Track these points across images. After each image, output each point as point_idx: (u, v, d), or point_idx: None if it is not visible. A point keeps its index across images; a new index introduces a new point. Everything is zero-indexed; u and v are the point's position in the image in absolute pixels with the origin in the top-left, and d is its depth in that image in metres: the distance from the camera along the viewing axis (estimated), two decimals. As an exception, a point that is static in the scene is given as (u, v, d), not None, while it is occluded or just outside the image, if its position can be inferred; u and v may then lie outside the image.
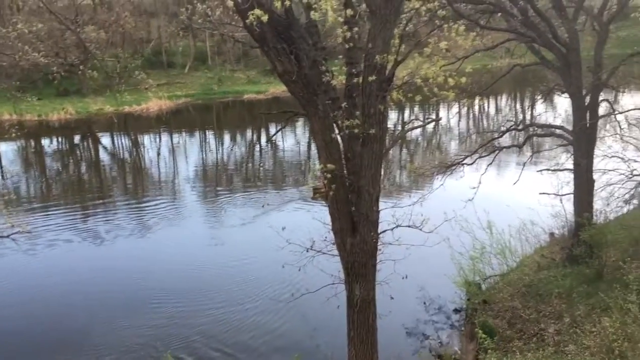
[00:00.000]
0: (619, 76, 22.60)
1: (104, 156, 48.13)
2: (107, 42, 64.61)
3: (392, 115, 52.75)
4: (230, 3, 8.91)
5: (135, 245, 26.29)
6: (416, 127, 40.72)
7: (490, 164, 22.68)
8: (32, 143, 51.06)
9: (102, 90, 57.81)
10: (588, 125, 19.99)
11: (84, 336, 18.75)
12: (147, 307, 20.48)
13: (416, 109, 52.98)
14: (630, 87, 27.95)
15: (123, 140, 53.23)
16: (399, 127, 49.60)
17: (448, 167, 22.81)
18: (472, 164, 22.37)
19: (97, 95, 58.30)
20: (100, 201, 33.81)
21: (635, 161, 21.89)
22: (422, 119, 48.40)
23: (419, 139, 47.86)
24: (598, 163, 21.80)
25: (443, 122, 51.65)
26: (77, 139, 53.73)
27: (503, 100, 63.98)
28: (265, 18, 8.34)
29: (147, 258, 24.72)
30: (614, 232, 18.83)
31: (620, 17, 25.70)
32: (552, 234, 23.41)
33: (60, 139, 53.41)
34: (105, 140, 52.81)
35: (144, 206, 32.00)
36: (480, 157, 22.32)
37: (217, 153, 47.66)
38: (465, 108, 51.82)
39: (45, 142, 52.25)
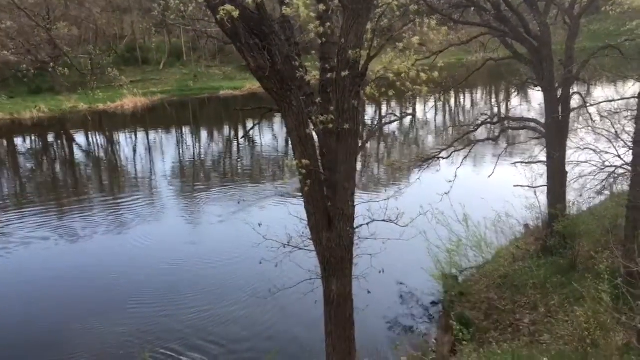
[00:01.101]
0: (591, 69, 22.91)
1: (78, 154, 47.47)
2: (79, 39, 63.65)
3: (369, 110, 52.94)
4: (201, -2, 8.82)
5: (111, 243, 26.01)
6: (392, 122, 40.99)
7: (466, 157, 22.88)
8: (5, 142, 50.19)
9: (75, 88, 56.93)
10: (560, 118, 20.31)
11: (59, 336, 18.52)
12: (124, 305, 20.29)
13: (393, 103, 53.19)
14: (602, 79, 28.36)
15: (98, 138, 52.58)
16: (376, 122, 49.78)
17: (424, 160, 22.96)
18: (448, 157, 22.56)
19: (71, 93, 57.42)
20: (76, 199, 33.36)
21: (607, 153, 22.21)
22: (398, 113, 48.63)
23: (396, 133, 48.08)
24: (571, 155, 22.11)
25: (419, 116, 51.98)
26: (50, 137, 52.91)
27: (478, 94, 64.59)
28: (236, 14, 8.26)
29: (124, 256, 24.49)
30: (586, 223, 19.17)
31: (592, 11, 26.15)
32: (526, 226, 23.73)
33: (33, 138, 52.54)
34: (80, 138, 52.09)
35: (120, 204, 31.68)
36: (456, 150, 22.49)
37: (193, 150, 47.35)
38: (441, 102, 52.24)
39: (18, 140, 51.39)
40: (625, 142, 20.97)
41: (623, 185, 21.72)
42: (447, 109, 56.75)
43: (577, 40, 21.51)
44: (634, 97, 17.08)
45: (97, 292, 21.27)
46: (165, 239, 26.35)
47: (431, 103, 48.08)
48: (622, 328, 12.03)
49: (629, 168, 16.37)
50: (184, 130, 54.12)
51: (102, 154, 47.73)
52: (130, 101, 58.15)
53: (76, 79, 57.54)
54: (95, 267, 23.37)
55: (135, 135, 51.84)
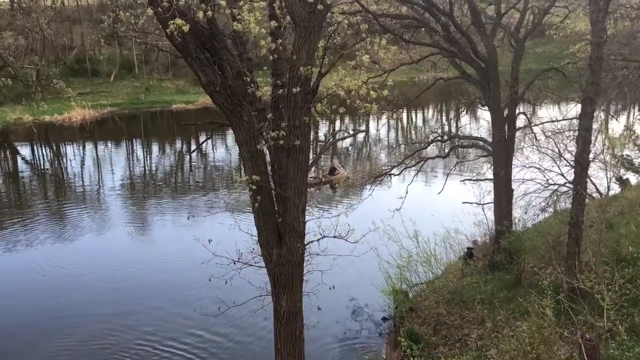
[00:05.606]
0: (535, 90, 23.73)
1: (22, 167, 45.88)
2: (26, 49, 61.72)
3: (322, 126, 53.23)
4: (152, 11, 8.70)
5: (54, 259, 25.04)
6: (344, 138, 41.32)
7: (417, 174, 23.26)
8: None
9: (20, 99, 54.98)
10: (506, 137, 20.86)
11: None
12: (65, 325, 19.59)
13: (346, 120, 53.69)
14: (546, 100, 29.40)
15: (44, 151, 50.98)
16: (329, 138, 50.05)
17: (376, 177, 23.23)
18: (399, 174, 22.88)
19: (15, 104, 55.43)
20: (18, 213, 32.16)
21: (551, 171, 23.05)
22: (351, 130, 49.05)
23: (349, 149, 48.46)
24: (517, 173, 22.80)
25: (372, 132, 52.54)
26: (-7, 149, 51.09)
27: (429, 112, 65.87)
28: (186, 28, 8.20)
29: (66, 273, 23.67)
30: (531, 239, 19.66)
31: (537, 34, 27.13)
32: (474, 242, 24.22)
33: (-27, 150, 50.59)
34: (25, 150, 50.44)
35: (65, 218, 30.68)
36: (407, 167, 22.86)
37: (144, 163, 46.45)
38: (393, 119, 53.01)
39: (-43, 152, 49.38)
40: (567, 161, 21.79)
41: (566, 203, 22.51)
42: (399, 126, 57.59)
43: (523, 62, 22.23)
44: (575, 118, 17.73)
45: (36, 312, 20.45)
46: (112, 255, 25.58)
47: (383, 120, 48.72)
48: (565, 342, 12.34)
49: (571, 186, 16.93)
50: (134, 144, 53.08)
51: (47, 167, 46.28)
52: (78, 113, 56.57)
53: (21, 90, 55.69)
54: (33, 285, 22.53)
55: (84, 147, 50.50)
